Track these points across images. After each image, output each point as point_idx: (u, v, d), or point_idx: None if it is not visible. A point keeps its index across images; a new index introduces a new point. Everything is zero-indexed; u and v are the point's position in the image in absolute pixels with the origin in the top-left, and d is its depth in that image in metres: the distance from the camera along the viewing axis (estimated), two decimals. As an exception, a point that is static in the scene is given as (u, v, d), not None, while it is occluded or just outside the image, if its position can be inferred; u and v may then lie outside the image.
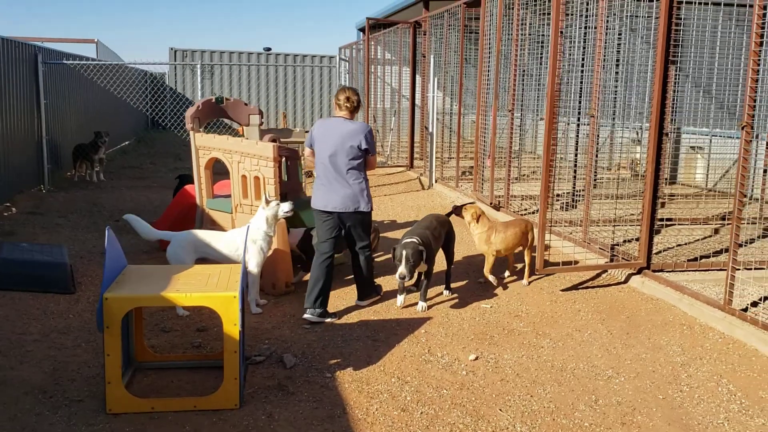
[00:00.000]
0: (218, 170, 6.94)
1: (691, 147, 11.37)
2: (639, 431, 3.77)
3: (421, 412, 3.92)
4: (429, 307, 5.71)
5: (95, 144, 12.17)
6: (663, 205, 9.21)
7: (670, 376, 4.48)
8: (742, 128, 5.11)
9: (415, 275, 6.06)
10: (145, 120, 23.02)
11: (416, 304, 5.72)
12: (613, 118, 9.54)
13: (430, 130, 12.21)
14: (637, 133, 11.01)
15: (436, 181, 12.17)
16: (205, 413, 3.84)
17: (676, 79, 8.43)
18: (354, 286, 6.04)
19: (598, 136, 7.79)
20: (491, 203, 9.53)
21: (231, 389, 3.89)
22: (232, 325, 3.85)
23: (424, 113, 13.53)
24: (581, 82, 8.69)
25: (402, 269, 5.33)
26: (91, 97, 14.97)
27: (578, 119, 8.95)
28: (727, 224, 8.37)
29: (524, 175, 12.34)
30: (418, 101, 14.26)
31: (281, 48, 25.13)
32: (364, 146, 5.43)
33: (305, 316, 5.42)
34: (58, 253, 6.36)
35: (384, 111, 16.19)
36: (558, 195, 9.54)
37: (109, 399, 3.79)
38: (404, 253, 5.34)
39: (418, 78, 14.09)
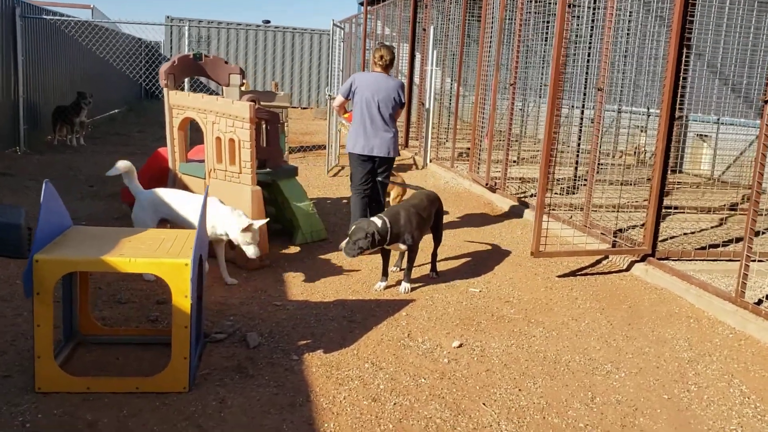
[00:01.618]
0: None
1: (698, 135, 10.87)
2: (641, 435, 3.31)
3: (395, 403, 3.45)
4: (413, 288, 5.23)
5: (77, 106, 11.62)
6: (668, 193, 8.74)
7: (676, 374, 4.02)
8: (765, 103, 4.62)
9: (398, 254, 5.59)
10: (138, 89, 22.41)
11: (399, 284, 5.24)
12: (620, 101, 9.03)
13: (427, 106, 11.69)
14: (648, 117, 10.52)
15: (430, 161, 11.67)
16: (148, 396, 3.37)
17: (686, 58, 7.92)
18: (331, 267, 5.56)
19: (603, 116, 7.31)
20: (486, 184, 9.04)
21: (179, 370, 3.42)
22: (182, 297, 3.37)
23: (421, 91, 13.00)
24: (588, 60, 8.18)
25: (342, 243, 4.92)
26: (79, 59, 14.39)
27: (583, 100, 8.45)
28: (739, 214, 7.90)
29: (524, 158, 11.84)
30: (416, 80, 13.72)
31: (280, 22, 24.44)
32: (401, 99, 6.38)
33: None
34: (14, 214, 5.82)
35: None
36: (559, 179, 9.05)
37: (38, 376, 3.31)
38: (352, 229, 4.92)
39: (417, 55, 13.56)
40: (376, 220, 4.96)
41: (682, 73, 5.79)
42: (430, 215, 5.41)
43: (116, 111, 18.31)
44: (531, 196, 8.57)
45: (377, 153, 6.25)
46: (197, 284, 3.86)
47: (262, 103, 6.81)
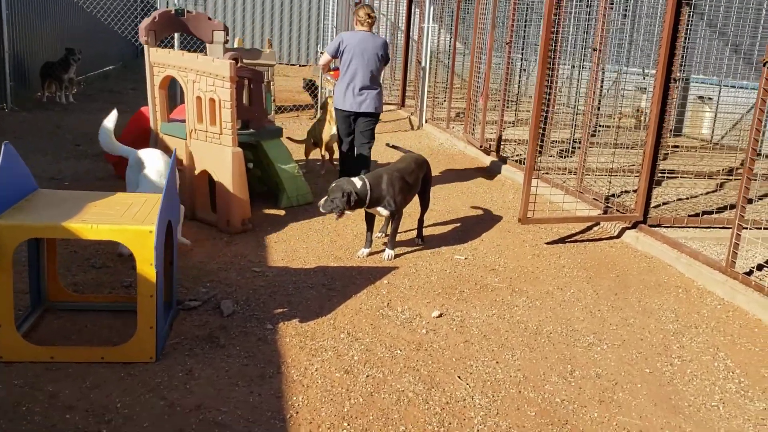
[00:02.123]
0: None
1: (699, 97, 10.64)
2: (619, 411, 3.22)
3: (368, 375, 3.36)
4: (397, 255, 5.11)
5: (66, 62, 11.35)
6: (666, 157, 8.56)
7: (660, 346, 3.92)
8: (764, 65, 4.43)
9: (384, 220, 5.45)
10: (135, 45, 21.98)
11: (382, 251, 5.12)
12: (619, 62, 8.79)
13: (423, 64, 11.43)
14: (644, 77, 10.26)
15: (426, 122, 11.46)
16: (114, 366, 3.28)
17: (689, 18, 7.67)
18: (315, 232, 5.45)
19: (603, 79, 7.10)
20: (481, 146, 8.87)
21: (145, 340, 3.32)
22: (147, 265, 3.25)
23: (419, 48, 12.71)
24: (587, 20, 7.94)
25: (320, 201, 4.89)
26: (71, 14, 14.05)
27: (581, 60, 8.22)
28: (734, 179, 7.73)
29: (523, 119, 11.62)
30: (414, 36, 13.41)
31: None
32: (386, 56, 6.69)
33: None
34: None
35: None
36: (556, 142, 8.87)
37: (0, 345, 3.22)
38: (331, 186, 4.86)
39: (415, 9, 13.23)
40: (357, 181, 4.83)
41: (682, 33, 5.57)
42: (416, 180, 5.25)
43: (111, 68, 17.99)
44: (524, 161, 8.40)
45: (364, 109, 6.56)
46: (168, 250, 3.76)
47: (246, 61, 6.61)
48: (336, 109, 6.72)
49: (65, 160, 7.65)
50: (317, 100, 12.01)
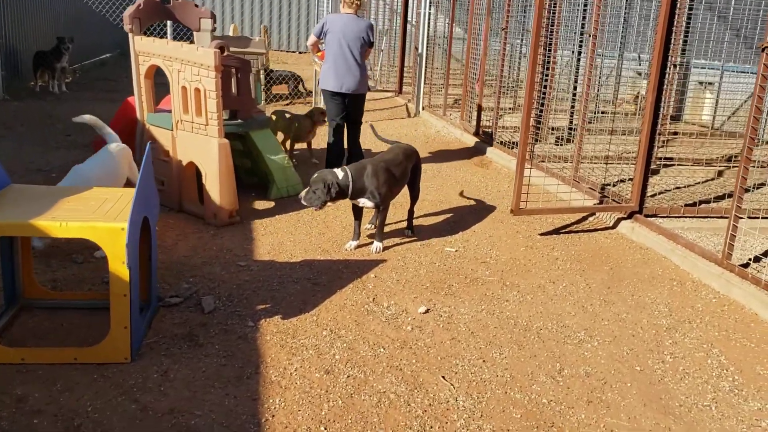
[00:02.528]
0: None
1: (699, 82, 10.46)
2: (607, 412, 3.11)
3: (348, 376, 3.26)
4: (385, 248, 5.00)
5: (57, 51, 11.21)
6: (665, 143, 8.42)
7: (652, 342, 3.81)
8: (763, 50, 4.29)
9: (373, 212, 5.33)
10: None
11: (371, 243, 5.02)
12: (615, 46, 8.63)
13: (420, 50, 11.26)
14: (639, 63, 10.09)
15: (423, 109, 11.30)
16: (87, 368, 3.18)
17: (690, 1, 7.51)
18: (303, 224, 5.34)
19: (599, 64, 6.95)
20: (477, 133, 8.72)
21: (119, 340, 3.22)
22: (119, 263, 3.14)
23: (417, 33, 12.53)
24: (585, 4, 7.78)
25: (302, 192, 4.80)
26: (66, 3, 13.88)
27: (580, 46, 8.06)
28: (734, 167, 7.59)
29: (521, 106, 11.45)
30: (411, 20, 13.22)
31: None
32: (369, 39, 6.73)
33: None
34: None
35: (376, 30, 15.12)
36: (554, 129, 8.73)
37: (-33, 346, 3.13)
38: (313, 177, 4.77)
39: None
40: (339, 172, 4.73)
41: (683, 18, 5.43)
42: (404, 171, 5.13)
43: (107, 56, 17.83)
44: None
45: (347, 89, 6.69)
46: (145, 247, 3.65)
47: (234, 49, 6.48)
48: (323, 90, 6.84)
49: (55, 151, 7.54)
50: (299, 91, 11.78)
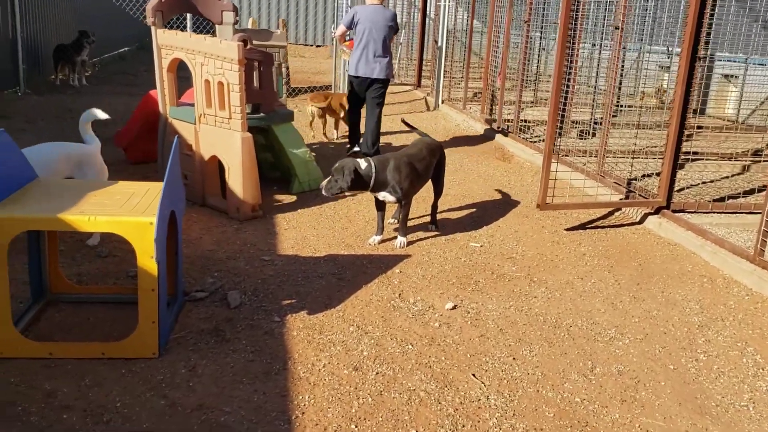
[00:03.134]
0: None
1: (724, 75, 10.31)
2: (642, 412, 3.05)
3: (377, 373, 3.22)
4: (409, 243, 4.96)
5: (78, 44, 11.24)
6: (690, 137, 8.30)
7: (684, 340, 3.74)
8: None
9: (396, 206, 5.28)
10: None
11: (394, 238, 4.97)
12: (641, 39, 8.51)
13: (439, 44, 11.18)
14: (668, 57, 9.95)
15: (442, 102, 11.23)
16: (115, 363, 3.16)
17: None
18: (326, 218, 5.31)
19: (623, 57, 6.84)
20: (498, 127, 8.65)
21: (147, 335, 3.20)
22: (147, 258, 3.12)
23: (436, 26, 12.44)
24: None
25: (323, 182, 4.70)
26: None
27: (602, 39, 7.95)
28: (762, 161, 7.46)
29: (543, 99, 11.35)
30: (430, 14, 13.13)
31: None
32: (396, 27, 7.32)
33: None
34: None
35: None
36: (576, 122, 8.63)
37: (-4, 341, 3.12)
38: (335, 166, 4.69)
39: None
40: (362, 162, 4.68)
41: (708, 10, 5.31)
42: (428, 167, 5.06)
43: (126, 49, 17.89)
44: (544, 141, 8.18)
45: (377, 75, 7.19)
46: (172, 241, 3.63)
47: (256, 42, 6.44)
48: (350, 76, 7.39)
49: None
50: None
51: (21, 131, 7.86)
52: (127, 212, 3.16)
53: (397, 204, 5.00)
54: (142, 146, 6.70)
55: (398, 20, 7.02)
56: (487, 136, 9.04)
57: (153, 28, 5.72)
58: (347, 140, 7.90)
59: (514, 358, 3.44)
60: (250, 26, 10.05)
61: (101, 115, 4.85)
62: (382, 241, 4.95)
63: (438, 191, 5.32)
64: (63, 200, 3.25)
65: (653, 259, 4.91)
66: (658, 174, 5.88)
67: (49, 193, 3.37)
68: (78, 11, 13.53)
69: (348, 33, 7.46)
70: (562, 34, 5.17)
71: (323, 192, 4.69)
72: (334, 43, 10.77)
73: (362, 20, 7.16)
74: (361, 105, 7.46)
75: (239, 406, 2.91)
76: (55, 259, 3.73)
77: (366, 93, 7.32)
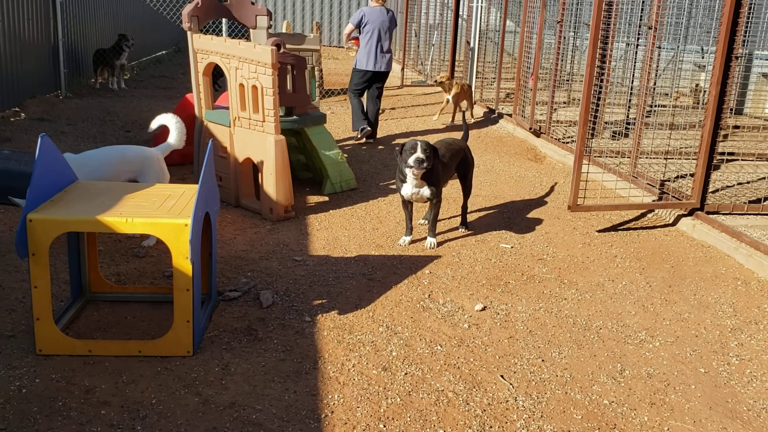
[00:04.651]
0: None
1: (763, 74, 10.12)
2: (671, 415, 3.04)
3: (406, 373, 3.26)
4: (439, 243, 4.99)
5: (118, 48, 11.49)
6: (726, 137, 8.18)
7: (716, 344, 3.71)
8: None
9: (423, 206, 5.31)
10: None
11: (424, 239, 5.01)
12: (675, 38, 8.40)
13: (472, 45, 11.17)
14: (703, 56, 9.80)
15: (475, 103, 11.22)
16: (151, 361, 3.26)
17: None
18: (357, 219, 5.37)
19: (658, 55, 6.77)
20: (531, 128, 8.62)
21: (182, 334, 3.29)
22: (183, 259, 3.20)
23: (468, 27, 12.43)
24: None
25: (419, 154, 4.53)
26: (122, 1, 14.22)
27: (637, 38, 7.87)
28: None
29: (576, 99, 11.27)
30: (463, 14, 13.12)
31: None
32: (396, 24, 8.43)
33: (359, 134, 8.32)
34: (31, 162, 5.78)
35: (427, 25, 15.07)
36: (608, 122, 8.57)
37: (38, 338, 3.23)
38: (415, 144, 4.59)
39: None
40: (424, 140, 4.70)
41: (745, 9, 5.24)
42: (450, 164, 5.06)
43: (163, 52, 18.21)
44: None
45: (384, 69, 8.33)
46: (206, 242, 3.72)
47: (289, 46, 6.53)
48: (356, 69, 8.36)
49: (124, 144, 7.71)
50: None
51: (63, 134, 8.08)
52: (163, 214, 3.25)
53: (428, 203, 5.02)
54: (179, 149, 6.81)
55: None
56: (519, 137, 9.02)
57: (189, 33, 5.85)
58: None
59: (543, 360, 3.45)
60: (284, 30, 10.17)
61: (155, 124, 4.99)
62: (413, 241, 4.99)
63: (467, 192, 5.33)
64: (102, 202, 3.35)
65: (686, 262, 4.86)
66: (692, 175, 5.82)
67: (88, 195, 3.48)
68: (116, 16, 13.82)
69: (354, 31, 8.43)
70: (594, 34, 5.16)
71: (414, 168, 4.57)
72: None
73: (370, 21, 8.14)
74: (363, 90, 8.46)
75: (270, 405, 2.97)
76: (95, 260, 3.85)
77: (370, 83, 8.36)
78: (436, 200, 4.87)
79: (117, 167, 4.50)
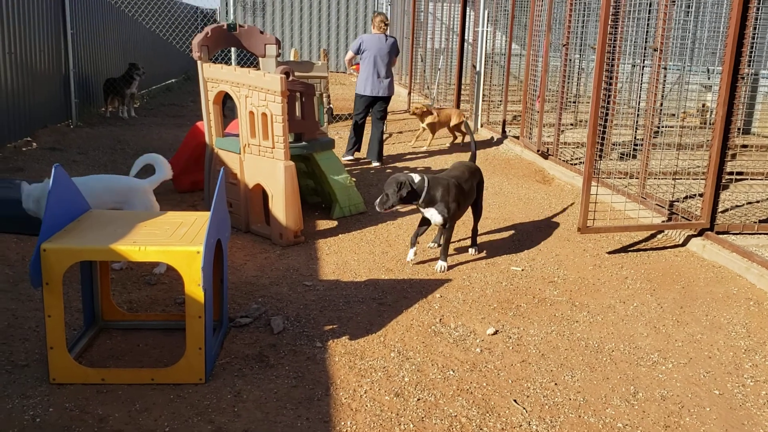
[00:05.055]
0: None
1: (770, 93, 10.12)
2: (686, 438, 3.02)
3: (418, 399, 3.25)
4: (450, 267, 4.99)
5: (129, 77, 11.63)
6: (734, 156, 8.17)
7: (730, 365, 3.69)
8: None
9: (437, 230, 5.33)
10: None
11: (436, 260, 5.02)
12: (681, 59, 8.44)
13: (478, 69, 11.25)
14: (709, 77, 9.83)
15: (481, 126, 11.28)
16: (164, 389, 3.26)
17: (757, 11, 7.30)
18: (367, 243, 5.38)
19: (664, 77, 6.81)
20: (538, 150, 8.65)
21: (194, 361, 3.30)
22: (195, 286, 3.22)
23: (474, 51, 12.52)
24: (648, 13, 7.64)
25: (376, 201, 4.88)
26: (132, 31, 14.43)
27: (643, 59, 7.92)
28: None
29: (583, 121, 11.31)
30: (468, 39, 13.23)
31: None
32: (397, 51, 8.72)
33: (346, 158, 8.63)
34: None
35: (433, 50, 15.20)
36: (616, 144, 8.59)
37: (52, 367, 3.24)
38: (387, 182, 4.87)
39: (470, 13, 13.05)
40: (416, 176, 4.85)
41: (749, 30, 5.27)
42: (471, 189, 5.13)
43: (173, 81, 18.41)
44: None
45: (381, 94, 8.53)
46: (218, 269, 3.74)
47: (298, 74, 6.60)
48: (357, 95, 8.60)
49: (125, 175, 7.77)
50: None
51: (74, 162, 8.16)
52: (175, 241, 3.28)
53: (440, 226, 5.05)
54: (189, 176, 6.90)
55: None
56: (527, 159, 9.05)
57: (199, 62, 5.92)
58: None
59: (555, 384, 3.43)
60: (292, 58, 10.29)
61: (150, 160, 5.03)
62: (419, 260, 5.01)
63: (477, 213, 5.36)
64: (114, 231, 3.38)
65: (697, 282, 4.85)
66: (701, 195, 5.82)
67: (101, 224, 3.51)
68: (126, 45, 14.00)
69: (355, 58, 8.79)
70: (600, 57, 5.19)
71: (377, 208, 4.84)
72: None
73: (369, 48, 8.38)
74: (365, 119, 8.68)
75: None
76: (107, 287, 3.87)
77: (372, 108, 8.60)
78: (448, 225, 4.89)
79: (101, 196, 4.54)
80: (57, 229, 3.31)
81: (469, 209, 5.35)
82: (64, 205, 3.41)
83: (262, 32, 6.41)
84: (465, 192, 5.02)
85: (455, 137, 10.36)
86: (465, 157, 8.93)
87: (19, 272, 4.61)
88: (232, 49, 11.79)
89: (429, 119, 9.87)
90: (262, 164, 5.49)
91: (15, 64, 8.71)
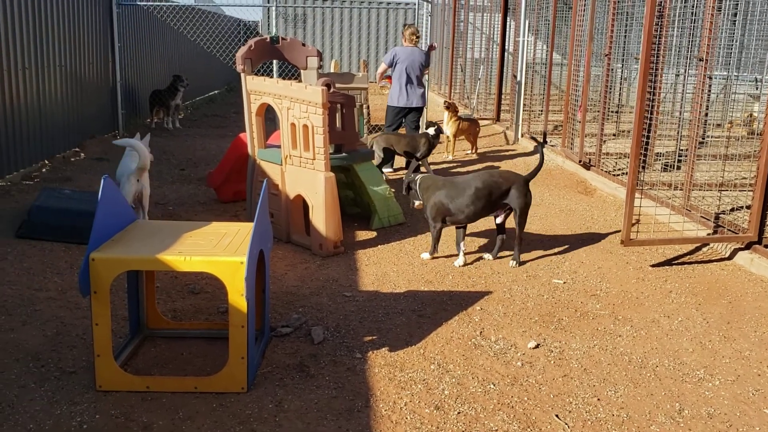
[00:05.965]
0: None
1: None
2: (734, 457, 2.95)
3: (459, 412, 3.24)
4: (491, 278, 4.97)
5: (173, 89, 11.87)
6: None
7: (780, 383, 3.59)
8: None
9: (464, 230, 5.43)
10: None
11: (479, 261, 5.03)
12: (728, 68, 8.28)
13: (518, 78, 11.20)
14: (757, 87, 9.62)
15: (522, 136, 11.21)
16: (207, 397, 3.31)
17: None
18: (406, 254, 5.39)
19: (710, 86, 6.69)
20: (580, 161, 8.56)
21: (237, 370, 3.34)
22: (238, 296, 3.27)
23: (515, 61, 12.47)
24: (692, 22, 7.52)
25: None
26: (177, 43, 14.73)
27: (686, 69, 7.80)
28: None
29: (625, 131, 11.15)
30: (509, 48, 13.18)
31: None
32: (428, 63, 9.10)
33: (386, 170, 8.61)
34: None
35: (473, 60, 15.17)
36: (659, 154, 8.45)
37: (98, 375, 3.32)
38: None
39: (510, 22, 13.01)
40: (418, 176, 5.47)
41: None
42: (475, 199, 5.12)
43: (216, 92, 18.72)
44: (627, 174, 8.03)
45: (416, 104, 8.87)
46: (260, 278, 3.79)
47: (339, 85, 6.66)
48: (389, 106, 8.95)
49: (170, 185, 7.94)
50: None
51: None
52: (219, 252, 3.33)
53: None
54: (232, 186, 7.02)
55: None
56: (568, 170, 8.96)
57: (243, 75, 6.01)
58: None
59: (598, 399, 3.39)
60: (332, 69, 10.39)
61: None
62: (466, 263, 5.31)
63: (521, 226, 5.29)
64: (160, 241, 3.45)
65: (744, 297, 4.74)
66: (748, 207, 5.69)
67: (147, 234, 3.59)
68: (171, 57, 14.29)
69: (387, 70, 8.98)
70: (643, 66, 5.13)
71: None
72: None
73: (401, 60, 8.70)
74: (397, 127, 8.97)
75: (324, 442, 2.99)
76: (152, 296, 3.95)
77: (405, 119, 8.92)
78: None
79: None
80: (105, 239, 3.39)
81: (511, 219, 5.31)
82: (113, 216, 3.50)
83: (303, 44, 6.48)
84: (452, 200, 5.19)
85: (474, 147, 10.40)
86: (509, 167, 8.88)
87: (67, 281, 4.73)
88: (274, 62, 11.96)
89: (454, 119, 9.85)
90: (303, 175, 5.55)
91: (65, 77, 8.96)
